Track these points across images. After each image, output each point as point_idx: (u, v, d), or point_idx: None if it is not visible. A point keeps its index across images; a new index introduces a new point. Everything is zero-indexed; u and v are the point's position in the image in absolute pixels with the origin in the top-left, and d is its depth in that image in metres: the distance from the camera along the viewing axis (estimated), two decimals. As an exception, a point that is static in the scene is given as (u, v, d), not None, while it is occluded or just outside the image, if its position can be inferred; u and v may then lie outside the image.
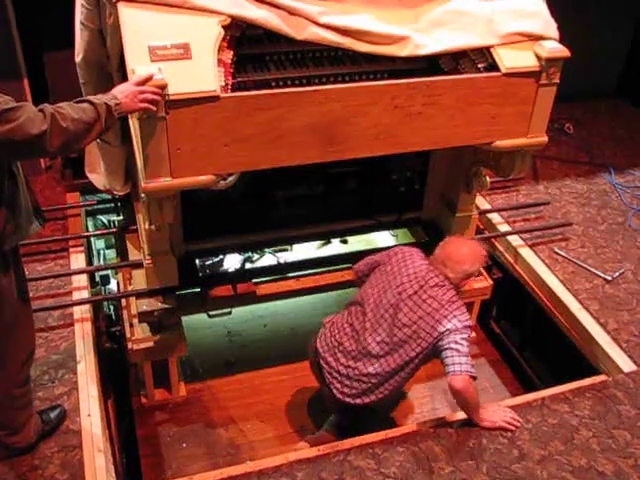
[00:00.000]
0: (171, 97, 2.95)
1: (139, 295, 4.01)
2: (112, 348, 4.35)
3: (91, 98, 2.70)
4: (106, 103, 2.71)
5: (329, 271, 4.49)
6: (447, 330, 3.41)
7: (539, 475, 3.41)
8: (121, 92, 2.81)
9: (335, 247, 5.00)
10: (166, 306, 3.94)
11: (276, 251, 4.70)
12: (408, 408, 4.49)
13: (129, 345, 4.03)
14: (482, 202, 5.36)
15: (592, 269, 4.83)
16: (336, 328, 3.72)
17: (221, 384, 4.55)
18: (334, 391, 3.66)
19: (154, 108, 2.92)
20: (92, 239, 5.29)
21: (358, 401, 3.62)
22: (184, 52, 3.04)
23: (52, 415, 3.51)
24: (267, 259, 4.68)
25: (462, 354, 3.37)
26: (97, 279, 4.92)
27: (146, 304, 3.93)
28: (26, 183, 2.86)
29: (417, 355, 3.51)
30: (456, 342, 3.39)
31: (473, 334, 3.45)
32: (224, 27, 3.16)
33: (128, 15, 3.08)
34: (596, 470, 3.49)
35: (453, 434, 3.63)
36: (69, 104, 2.63)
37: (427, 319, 3.46)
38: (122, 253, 4.62)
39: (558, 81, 3.61)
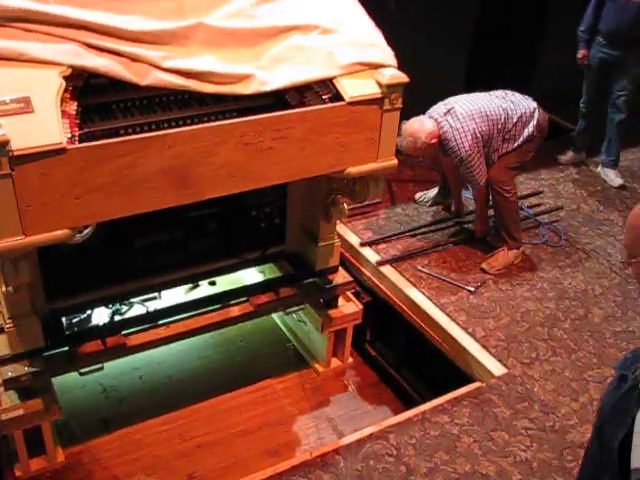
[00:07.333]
0: (15, 153, 2.86)
1: (3, 361, 3.82)
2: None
3: None
4: None
5: (199, 314, 4.44)
6: None
7: (426, 487, 3.50)
8: None
9: (205, 289, 4.96)
10: (34, 369, 3.78)
11: (145, 300, 4.60)
12: (294, 442, 4.47)
13: (-3, 416, 3.84)
14: (344, 229, 5.48)
15: (455, 282, 5.03)
16: None
17: (101, 443, 4.37)
18: None
19: None
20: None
21: None
22: (25, 106, 2.96)
23: None
24: (137, 309, 4.58)
25: None
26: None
27: (11, 370, 3.75)
28: None
29: None
30: None
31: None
32: (65, 78, 3.10)
33: (-38, 72, 2.99)
34: (480, 473, 3.62)
35: (340, 460, 3.67)
36: None
37: None
38: (-20, 321, 4.41)
39: (401, 106, 3.74)
